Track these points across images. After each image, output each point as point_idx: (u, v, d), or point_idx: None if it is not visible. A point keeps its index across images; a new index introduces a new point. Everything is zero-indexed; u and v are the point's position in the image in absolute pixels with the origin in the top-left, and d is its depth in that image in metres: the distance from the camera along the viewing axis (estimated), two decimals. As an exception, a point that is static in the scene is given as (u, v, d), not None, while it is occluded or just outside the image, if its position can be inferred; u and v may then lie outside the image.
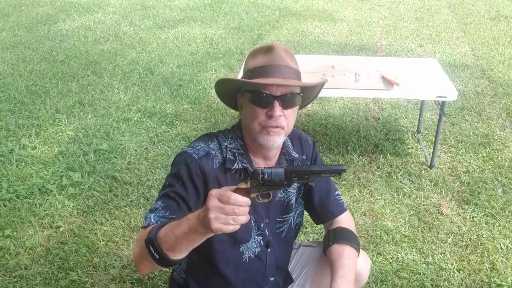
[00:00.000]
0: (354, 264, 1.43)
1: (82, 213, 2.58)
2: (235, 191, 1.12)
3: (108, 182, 2.83)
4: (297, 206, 1.54)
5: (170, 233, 1.15)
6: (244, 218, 1.07)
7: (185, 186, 1.33)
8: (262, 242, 1.46)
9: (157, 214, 1.30)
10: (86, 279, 2.14)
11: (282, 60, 1.34)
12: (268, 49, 1.36)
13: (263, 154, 1.42)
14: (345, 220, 1.57)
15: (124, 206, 2.62)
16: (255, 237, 1.45)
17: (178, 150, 3.16)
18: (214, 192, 1.08)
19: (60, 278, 2.15)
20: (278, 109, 1.31)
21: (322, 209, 1.56)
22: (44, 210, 2.58)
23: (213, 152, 1.39)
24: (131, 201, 2.66)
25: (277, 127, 1.33)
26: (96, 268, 2.21)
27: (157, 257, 1.15)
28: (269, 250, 1.48)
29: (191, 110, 3.77)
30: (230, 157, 1.40)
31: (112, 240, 2.38)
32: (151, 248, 1.16)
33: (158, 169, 2.96)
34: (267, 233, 1.47)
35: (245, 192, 1.14)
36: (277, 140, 1.35)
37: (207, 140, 1.42)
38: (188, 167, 1.34)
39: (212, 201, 1.06)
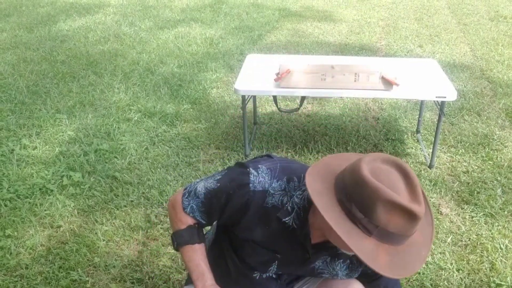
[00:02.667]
0: None
1: (82, 213, 2.59)
2: None
3: (109, 182, 2.84)
4: (328, 277, 1.46)
5: (185, 259, 1.37)
6: None
7: (223, 203, 1.31)
8: (275, 276, 1.46)
9: (193, 205, 1.37)
10: (87, 278, 2.15)
11: (415, 228, 1.09)
12: (412, 217, 1.04)
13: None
14: None
15: (125, 206, 2.63)
16: (269, 274, 1.44)
17: (178, 151, 3.17)
18: None
19: (61, 278, 2.15)
20: None
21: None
22: (45, 210, 2.59)
23: (272, 191, 1.25)
24: (132, 201, 2.67)
25: None
26: (97, 267, 2.22)
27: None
28: (280, 281, 1.48)
29: (191, 110, 3.77)
30: (289, 208, 1.26)
31: (112, 239, 2.38)
32: (172, 241, 1.40)
33: (159, 169, 2.97)
34: (280, 272, 1.45)
35: None
36: None
37: (275, 177, 1.26)
38: (237, 193, 1.27)
39: None
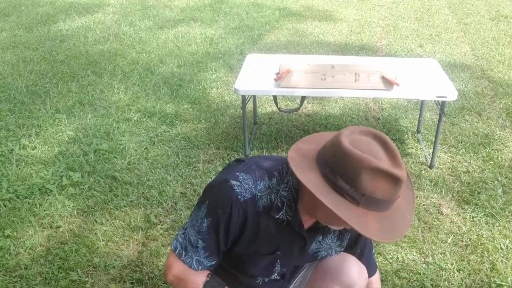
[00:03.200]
0: None
1: (82, 213, 2.58)
2: None
3: (108, 182, 2.84)
4: (324, 256, 1.50)
5: None
6: None
7: (225, 229, 1.27)
8: (278, 277, 1.47)
9: (198, 258, 1.30)
10: (86, 279, 2.15)
11: (399, 193, 1.14)
12: (396, 181, 1.08)
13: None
14: (375, 281, 1.62)
15: (124, 206, 2.62)
16: (273, 276, 1.44)
17: (178, 151, 3.17)
18: None
19: (60, 278, 2.15)
20: None
21: None
22: (44, 210, 2.58)
23: (259, 194, 1.25)
24: (131, 201, 2.67)
25: None
26: (96, 268, 2.21)
27: None
28: (283, 280, 1.49)
29: (191, 110, 3.77)
30: (278, 204, 1.26)
31: (112, 240, 2.38)
32: None
33: (158, 169, 2.96)
34: (285, 271, 1.46)
35: None
36: None
37: (257, 179, 1.25)
38: (232, 212, 1.23)
39: None
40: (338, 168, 1.09)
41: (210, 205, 1.26)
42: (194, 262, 1.29)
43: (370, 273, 1.60)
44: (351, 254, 1.56)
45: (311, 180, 1.10)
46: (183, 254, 1.29)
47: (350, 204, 1.08)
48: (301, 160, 1.15)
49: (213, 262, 1.32)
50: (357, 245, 1.55)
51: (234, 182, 1.23)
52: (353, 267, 1.52)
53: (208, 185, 1.31)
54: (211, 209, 1.25)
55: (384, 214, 1.11)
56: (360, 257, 1.57)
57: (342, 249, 1.52)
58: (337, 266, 1.52)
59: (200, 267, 1.30)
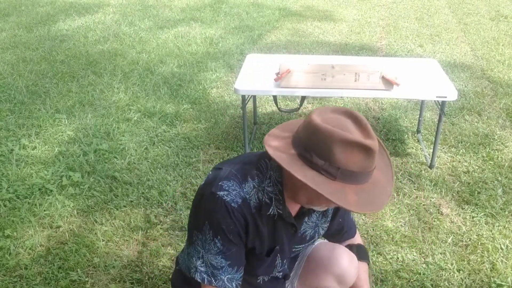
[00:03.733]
0: (367, 278, 1.63)
1: (82, 213, 2.58)
2: None
3: (108, 182, 2.84)
4: (315, 237, 1.52)
5: None
6: None
7: (236, 237, 1.28)
8: (280, 275, 1.47)
9: (228, 276, 1.30)
10: (86, 279, 2.15)
11: (375, 163, 1.17)
12: (368, 152, 1.11)
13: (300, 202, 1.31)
14: (358, 238, 1.68)
15: (124, 206, 2.62)
16: (276, 273, 1.46)
17: (178, 151, 3.17)
18: None
19: (60, 278, 2.15)
20: None
21: (341, 232, 1.62)
22: (44, 210, 2.58)
23: (248, 196, 1.26)
24: (131, 201, 2.67)
25: None
26: (96, 268, 2.21)
27: None
28: (286, 281, 1.51)
29: (191, 110, 3.77)
30: (267, 200, 1.29)
31: (112, 240, 2.38)
32: None
33: (158, 169, 2.96)
34: (286, 266, 1.47)
35: None
36: None
37: (242, 182, 1.26)
38: (233, 220, 1.25)
39: None
40: (312, 145, 1.12)
41: (211, 225, 1.26)
42: (226, 282, 1.30)
43: (353, 233, 1.69)
44: (334, 225, 1.59)
45: (289, 162, 1.13)
46: (213, 281, 1.29)
47: (326, 179, 1.11)
48: (279, 148, 1.18)
49: (242, 272, 1.34)
50: (337, 214, 1.58)
51: (221, 193, 1.24)
52: (343, 256, 1.55)
53: (198, 205, 1.30)
54: (214, 228, 1.26)
55: (361, 187, 1.14)
56: (341, 228, 1.61)
57: (328, 224, 1.54)
58: (327, 257, 1.55)
59: (234, 284, 1.31)
